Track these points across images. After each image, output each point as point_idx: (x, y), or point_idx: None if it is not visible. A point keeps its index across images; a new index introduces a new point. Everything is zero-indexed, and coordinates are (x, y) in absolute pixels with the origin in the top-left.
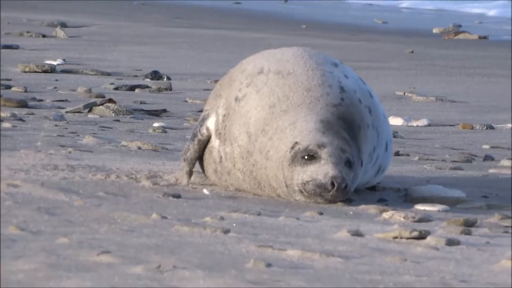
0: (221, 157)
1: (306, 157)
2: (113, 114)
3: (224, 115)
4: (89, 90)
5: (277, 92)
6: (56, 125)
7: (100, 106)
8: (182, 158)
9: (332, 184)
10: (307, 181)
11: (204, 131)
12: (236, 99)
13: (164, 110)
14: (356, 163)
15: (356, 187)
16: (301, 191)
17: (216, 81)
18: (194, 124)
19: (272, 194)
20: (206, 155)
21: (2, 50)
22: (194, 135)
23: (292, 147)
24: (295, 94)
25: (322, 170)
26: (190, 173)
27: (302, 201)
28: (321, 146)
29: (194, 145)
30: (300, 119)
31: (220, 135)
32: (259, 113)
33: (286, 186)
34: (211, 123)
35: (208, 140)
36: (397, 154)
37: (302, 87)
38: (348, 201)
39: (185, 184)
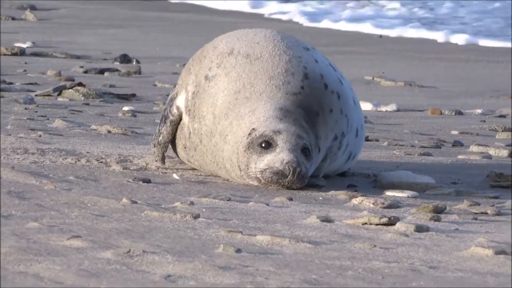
0: (190, 133)
1: (263, 144)
2: (83, 98)
3: (194, 92)
4: (59, 73)
5: (243, 78)
6: (26, 109)
7: (70, 90)
8: (153, 143)
9: (289, 169)
10: (264, 169)
11: (174, 110)
12: (206, 78)
13: (134, 95)
14: (314, 150)
15: (325, 173)
16: (258, 179)
17: (185, 65)
18: (163, 108)
19: (226, 176)
20: (178, 132)
21: None
22: (165, 117)
23: (249, 134)
24: (258, 82)
25: (278, 158)
26: (163, 158)
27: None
28: (277, 132)
29: (167, 127)
30: (259, 107)
31: (189, 112)
32: (225, 97)
33: (240, 170)
34: (180, 102)
35: (179, 119)
36: (366, 139)
37: (266, 74)
38: (318, 187)
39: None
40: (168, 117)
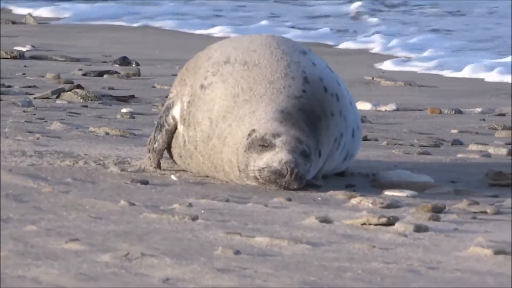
0: (184, 141)
1: (262, 145)
2: (81, 100)
3: (189, 102)
4: (58, 76)
5: (241, 83)
6: (24, 111)
7: (69, 92)
8: (148, 148)
9: (287, 170)
10: (262, 168)
11: (170, 120)
12: (202, 86)
13: (132, 96)
14: (313, 154)
15: (324, 173)
16: (256, 178)
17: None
18: (161, 110)
19: (225, 179)
20: (173, 141)
21: None
22: (161, 125)
23: (249, 134)
24: (258, 86)
25: (277, 157)
26: (159, 164)
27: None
28: (276, 135)
29: (163, 136)
30: (260, 109)
31: (184, 121)
32: (223, 101)
33: (239, 171)
34: (176, 112)
35: (175, 128)
36: (365, 139)
37: (265, 79)
38: (316, 187)
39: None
40: (164, 126)
